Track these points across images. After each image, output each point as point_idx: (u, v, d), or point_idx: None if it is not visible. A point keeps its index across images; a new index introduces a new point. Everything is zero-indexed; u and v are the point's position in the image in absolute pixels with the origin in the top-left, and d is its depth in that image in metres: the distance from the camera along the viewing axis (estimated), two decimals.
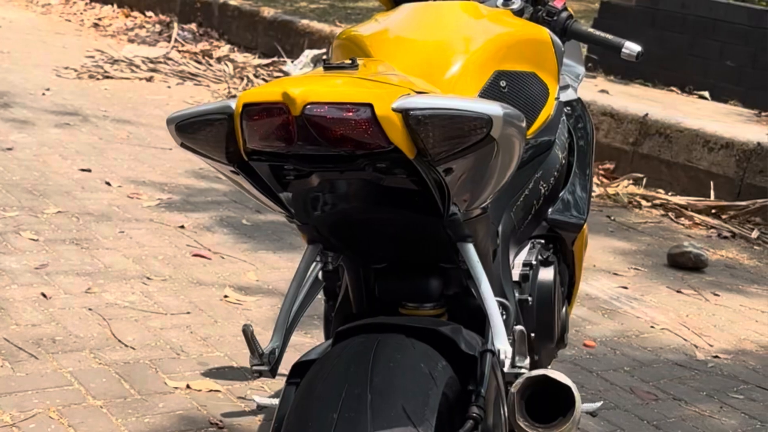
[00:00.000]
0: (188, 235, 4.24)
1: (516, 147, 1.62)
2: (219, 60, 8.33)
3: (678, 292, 4.25)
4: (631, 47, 2.53)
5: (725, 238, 5.18)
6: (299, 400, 1.57)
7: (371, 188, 1.60)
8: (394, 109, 1.48)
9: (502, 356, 1.69)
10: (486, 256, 1.87)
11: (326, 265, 1.87)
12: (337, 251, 1.84)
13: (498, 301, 1.93)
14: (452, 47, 2.07)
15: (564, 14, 2.52)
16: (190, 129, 1.59)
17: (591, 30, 2.60)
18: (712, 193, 5.60)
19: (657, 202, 5.57)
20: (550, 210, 2.31)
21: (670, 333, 3.78)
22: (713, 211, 5.48)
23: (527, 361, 1.70)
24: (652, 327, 3.82)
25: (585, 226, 2.37)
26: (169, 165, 5.31)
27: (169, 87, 7.50)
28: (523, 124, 1.63)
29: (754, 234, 5.20)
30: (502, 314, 1.89)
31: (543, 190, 2.26)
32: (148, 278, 3.72)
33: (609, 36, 2.59)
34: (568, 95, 2.58)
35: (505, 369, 1.70)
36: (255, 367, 1.80)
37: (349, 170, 1.54)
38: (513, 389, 1.62)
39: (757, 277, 4.59)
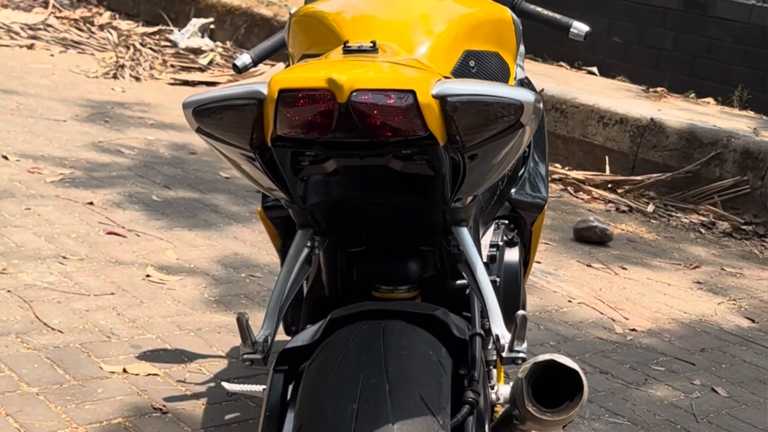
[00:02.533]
0: (98, 211, 4.11)
1: (530, 133, 1.62)
2: (102, 27, 8.08)
3: (588, 266, 4.35)
4: (580, 27, 2.55)
5: (623, 212, 5.32)
6: (311, 391, 1.54)
7: (383, 174, 1.57)
8: (433, 96, 1.46)
9: (502, 341, 1.69)
10: (475, 240, 1.87)
11: (312, 249, 1.84)
12: (327, 236, 1.81)
13: None
14: (422, 27, 2.05)
15: None
16: (211, 114, 1.53)
17: (539, 9, 2.61)
18: (607, 167, 5.74)
19: (556, 176, 5.67)
20: (513, 191, 2.32)
21: (587, 307, 3.87)
22: (609, 185, 5.62)
23: (525, 345, 1.71)
24: (569, 301, 3.90)
25: (545, 207, 2.40)
26: (66, 138, 5.13)
27: (52, 55, 7.24)
28: (541, 110, 1.63)
29: (650, 208, 5.36)
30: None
31: (507, 171, 2.27)
32: (64, 257, 3.59)
33: (557, 15, 2.61)
34: (517, 74, 2.59)
35: (504, 354, 1.70)
36: (246, 356, 1.74)
37: (370, 156, 1.51)
38: (520, 374, 1.62)
39: (658, 251, 4.73)
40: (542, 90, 6.07)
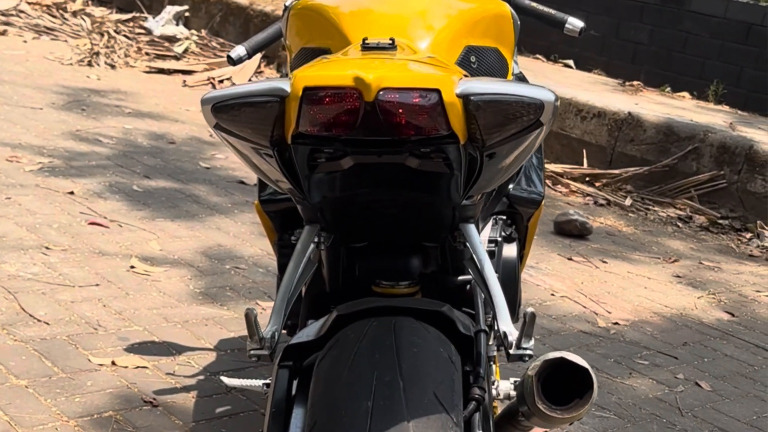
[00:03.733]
0: (79, 201, 4.07)
1: (546, 132, 1.62)
2: (75, 14, 8.00)
3: (569, 259, 4.37)
4: (575, 23, 2.55)
5: (601, 205, 5.35)
6: (324, 388, 1.53)
7: (397, 171, 1.57)
8: (457, 95, 1.46)
9: (510, 338, 1.69)
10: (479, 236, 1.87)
11: (318, 245, 1.83)
12: (334, 231, 1.81)
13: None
14: (423, 21, 2.04)
15: None
16: (231, 110, 1.52)
17: (534, 4, 2.60)
18: (585, 161, 5.77)
19: None
20: (511, 186, 2.32)
21: (569, 300, 3.89)
22: (587, 178, 5.65)
23: (532, 342, 1.71)
24: (552, 295, 3.92)
25: (542, 202, 2.40)
26: (43, 126, 5.07)
27: (25, 42, 7.16)
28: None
29: (628, 201, 5.39)
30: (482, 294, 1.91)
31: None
32: (47, 248, 3.56)
33: (552, 11, 2.61)
34: (513, 70, 2.59)
35: (511, 351, 1.71)
36: (253, 352, 1.73)
37: (388, 154, 1.51)
38: (531, 372, 1.63)
39: (636, 244, 4.76)
40: None
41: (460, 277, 1.99)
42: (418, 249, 1.89)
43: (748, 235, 5.11)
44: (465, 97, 1.47)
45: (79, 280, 3.34)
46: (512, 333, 1.72)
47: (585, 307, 3.85)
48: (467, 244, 1.78)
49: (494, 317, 1.75)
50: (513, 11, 2.32)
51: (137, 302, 3.25)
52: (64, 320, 3.05)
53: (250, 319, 1.70)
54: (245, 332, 3.19)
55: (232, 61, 2.55)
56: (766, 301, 4.22)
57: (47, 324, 3.01)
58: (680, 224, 5.19)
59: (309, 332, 1.78)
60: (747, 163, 5.30)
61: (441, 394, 1.50)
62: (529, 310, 1.68)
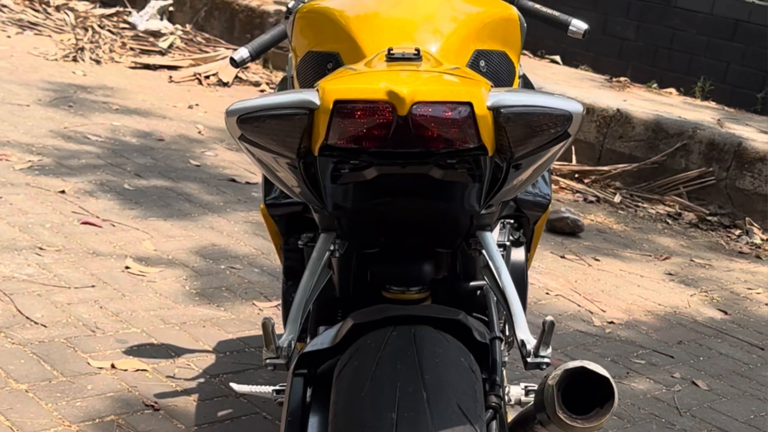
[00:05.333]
0: (71, 200, 4.04)
1: (572, 141, 1.62)
2: (58, 9, 7.93)
3: (562, 257, 4.37)
4: (578, 25, 2.55)
5: (591, 202, 5.36)
6: (347, 400, 1.52)
7: (419, 180, 1.56)
8: (488, 107, 1.45)
9: (528, 347, 1.68)
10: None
11: (333, 252, 1.81)
12: (350, 239, 1.79)
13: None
14: (433, 26, 2.03)
15: None
16: (258, 122, 1.50)
17: (538, 6, 2.60)
18: (573, 157, 5.77)
19: None
20: None
21: (564, 299, 3.89)
22: (576, 175, 5.66)
23: (550, 350, 1.71)
24: (547, 293, 3.92)
25: (549, 205, 2.40)
26: (30, 123, 5.03)
27: (9, 37, 7.10)
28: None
29: (617, 198, 5.40)
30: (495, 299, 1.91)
31: None
32: (41, 248, 3.53)
33: (556, 13, 2.60)
34: (518, 72, 2.59)
35: (529, 359, 1.70)
36: (269, 361, 1.72)
37: (413, 165, 1.49)
38: (551, 381, 1.62)
39: (628, 242, 4.77)
40: None
41: (471, 283, 1.99)
42: (429, 254, 1.88)
43: (737, 232, 5.13)
44: (495, 110, 1.46)
45: (74, 281, 3.32)
46: (530, 341, 1.72)
47: (580, 305, 3.86)
48: (482, 251, 1.78)
49: (511, 325, 1.74)
50: (520, 14, 2.31)
51: (134, 303, 3.23)
52: (62, 322, 3.02)
53: (268, 329, 1.68)
54: (243, 333, 3.18)
55: (235, 64, 2.53)
56: (758, 299, 4.24)
57: (44, 326, 2.98)
58: (670, 221, 5.20)
59: (324, 340, 1.77)
60: (736, 160, 5.33)
61: (465, 405, 1.50)
62: (549, 318, 1.68)
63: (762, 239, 5.06)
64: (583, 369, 1.61)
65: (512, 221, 2.31)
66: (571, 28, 2.55)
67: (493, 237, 2.25)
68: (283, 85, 2.55)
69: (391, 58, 1.59)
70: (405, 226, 1.73)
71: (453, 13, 2.09)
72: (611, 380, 1.60)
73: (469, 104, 1.43)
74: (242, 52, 2.50)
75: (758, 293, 4.30)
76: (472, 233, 1.76)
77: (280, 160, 1.55)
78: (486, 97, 1.47)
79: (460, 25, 2.04)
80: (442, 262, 1.92)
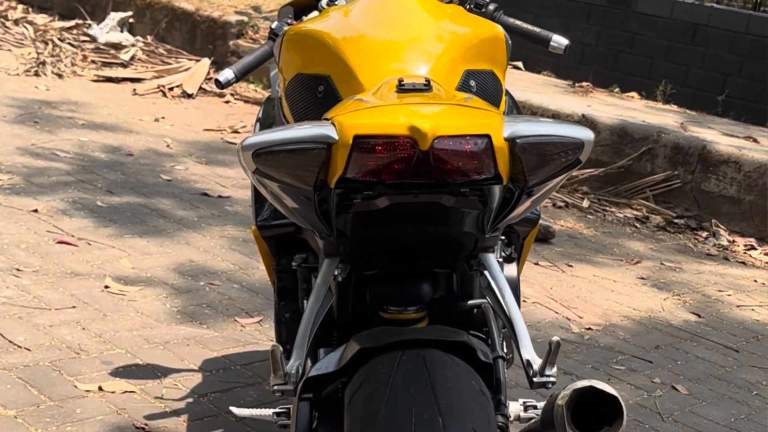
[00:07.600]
0: (45, 219, 4.01)
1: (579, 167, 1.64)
2: (17, 22, 7.85)
3: (536, 264, 4.41)
4: (559, 40, 2.58)
5: (560, 207, 5.40)
6: (362, 427, 1.53)
7: (429, 207, 1.57)
8: (504, 138, 1.47)
9: (535, 367, 1.71)
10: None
11: (336, 277, 1.82)
12: (354, 263, 1.80)
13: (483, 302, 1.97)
14: (423, 47, 2.04)
15: (491, 6, 2.54)
16: (273, 156, 1.50)
17: (518, 22, 2.62)
18: None
19: None
20: None
21: (541, 306, 3.93)
22: None
23: (555, 369, 1.73)
24: (524, 301, 3.95)
25: (539, 221, 2.42)
26: None
27: None
28: None
29: (585, 203, 5.46)
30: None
31: None
32: (18, 270, 3.50)
33: (536, 29, 2.63)
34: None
35: (535, 379, 1.72)
36: (277, 387, 1.72)
37: (426, 194, 1.51)
38: (560, 401, 1.65)
39: (599, 246, 4.82)
40: None
41: (469, 302, 2.01)
42: (428, 274, 1.90)
43: (704, 234, 5.20)
44: (511, 140, 1.48)
45: (54, 302, 3.29)
46: (536, 361, 1.74)
47: (557, 312, 3.89)
48: (485, 272, 1.80)
49: (516, 345, 1.76)
50: (505, 32, 2.33)
51: (116, 324, 3.22)
52: (45, 345, 3.00)
53: (276, 355, 1.69)
54: (227, 351, 3.18)
55: (220, 85, 2.52)
56: (729, 301, 4.31)
57: (28, 350, 2.96)
58: (638, 225, 5.26)
59: (328, 364, 1.79)
60: (701, 163, 5.40)
61: (480, 429, 1.52)
62: (555, 338, 1.70)
63: (729, 241, 5.14)
64: (591, 389, 1.63)
65: (503, 237, 2.34)
66: (552, 43, 2.58)
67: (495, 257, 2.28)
68: (269, 105, 2.55)
69: (402, 89, 1.60)
70: (410, 250, 1.75)
71: (441, 33, 2.11)
72: (620, 399, 1.63)
73: (488, 136, 1.45)
74: (227, 74, 2.50)
75: (729, 295, 4.37)
76: (475, 255, 1.78)
77: (293, 192, 1.56)
78: (502, 127, 1.49)
79: (449, 45, 2.06)
80: (439, 282, 1.94)
